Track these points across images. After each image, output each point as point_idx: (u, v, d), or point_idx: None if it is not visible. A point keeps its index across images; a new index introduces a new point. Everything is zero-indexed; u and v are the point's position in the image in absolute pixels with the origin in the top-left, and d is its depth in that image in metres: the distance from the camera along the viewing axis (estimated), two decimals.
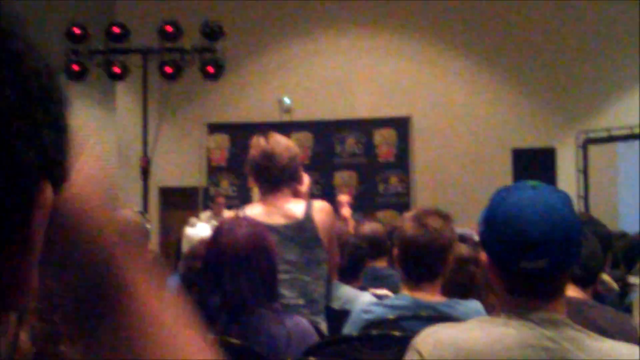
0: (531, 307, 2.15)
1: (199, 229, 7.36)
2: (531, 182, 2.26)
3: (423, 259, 3.62)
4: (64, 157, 0.71)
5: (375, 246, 5.96)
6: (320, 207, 4.37)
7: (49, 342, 1.34)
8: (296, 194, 4.59)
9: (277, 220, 4.25)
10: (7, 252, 0.66)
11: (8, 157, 0.63)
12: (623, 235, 7.13)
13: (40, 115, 0.68)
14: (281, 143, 4.47)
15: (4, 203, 0.64)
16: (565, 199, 2.22)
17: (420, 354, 2.17)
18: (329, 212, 4.43)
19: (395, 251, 3.75)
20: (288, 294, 4.09)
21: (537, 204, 2.15)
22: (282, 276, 3.70)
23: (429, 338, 2.20)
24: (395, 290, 4.27)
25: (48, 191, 0.70)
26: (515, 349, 2.07)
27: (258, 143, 4.49)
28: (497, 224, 2.19)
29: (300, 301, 4.17)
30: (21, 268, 0.67)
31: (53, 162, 0.70)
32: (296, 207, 4.31)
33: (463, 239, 5.21)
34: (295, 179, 4.49)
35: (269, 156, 4.34)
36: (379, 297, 4.50)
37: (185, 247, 7.50)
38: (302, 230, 4.23)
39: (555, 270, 2.14)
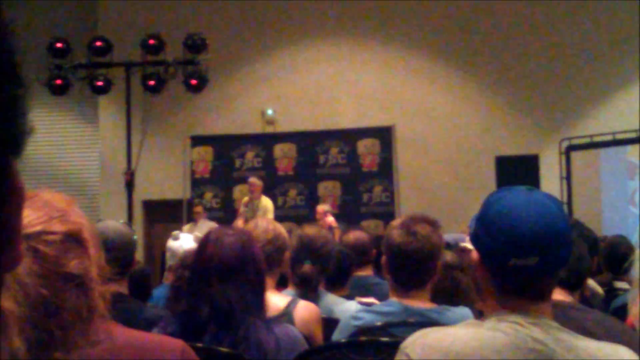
0: (519, 309, 2.16)
1: (182, 241, 7.35)
2: (526, 187, 2.28)
3: (411, 266, 3.63)
4: (27, 127, 0.74)
5: (360, 254, 5.94)
6: (304, 306, 4.03)
7: (43, 349, 1.35)
8: (283, 280, 4.42)
9: None
10: None
11: None
12: (604, 240, 7.14)
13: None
14: (259, 228, 4.17)
15: None
16: (558, 202, 2.25)
17: (409, 357, 2.18)
18: (313, 312, 4.06)
19: (384, 258, 3.75)
20: None
21: (530, 204, 2.17)
22: None
23: (418, 342, 2.21)
24: (381, 298, 4.27)
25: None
26: (503, 351, 2.08)
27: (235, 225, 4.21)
28: (490, 221, 2.21)
29: None
30: (9, 228, 0.69)
31: (21, 134, 0.73)
32: (277, 301, 3.95)
33: (448, 245, 5.22)
34: (276, 265, 4.17)
35: None
36: (366, 304, 4.51)
37: (169, 260, 7.48)
38: None
39: (544, 269, 2.14)
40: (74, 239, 1.52)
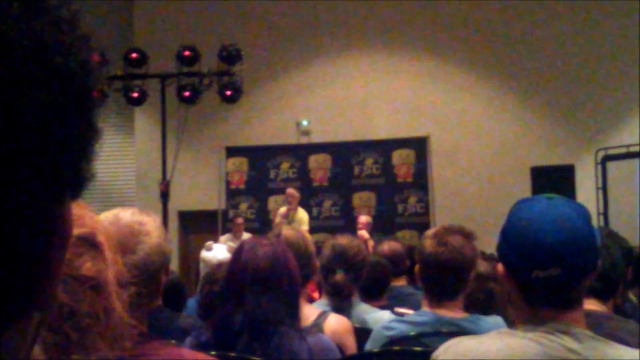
0: (550, 318, 2.15)
1: (216, 252, 7.35)
2: (547, 195, 2.27)
3: (442, 276, 3.62)
4: (90, 172, 0.76)
5: (394, 265, 5.95)
6: (334, 318, 3.94)
7: (61, 352, 1.37)
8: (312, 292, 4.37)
9: None
10: (40, 252, 0.70)
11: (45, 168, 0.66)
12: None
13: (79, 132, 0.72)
14: (289, 239, 4.02)
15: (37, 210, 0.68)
16: (580, 209, 2.23)
17: None
18: (344, 324, 3.96)
19: (417, 268, 3.75)
20: None
21: (550, 214, 2.16)
22: None
23: (449, 350, 2.21)
24: (415, 308, 4.26)
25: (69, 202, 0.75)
26: None
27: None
28: (512, 234, 2.20)
29: None
30: (51, 268, 0.71)
31: (83, 178, 0.75)
32: (308, 312, 3.89)
33: (484, 256, 5.20)
34: (307, 278, 4.04)
35: None
36: (401, 314, 4.51)
37: (202, 270, 7.48)
38: None
39: (569, 279, 2.13)
40: (87, 242, 1.53)
